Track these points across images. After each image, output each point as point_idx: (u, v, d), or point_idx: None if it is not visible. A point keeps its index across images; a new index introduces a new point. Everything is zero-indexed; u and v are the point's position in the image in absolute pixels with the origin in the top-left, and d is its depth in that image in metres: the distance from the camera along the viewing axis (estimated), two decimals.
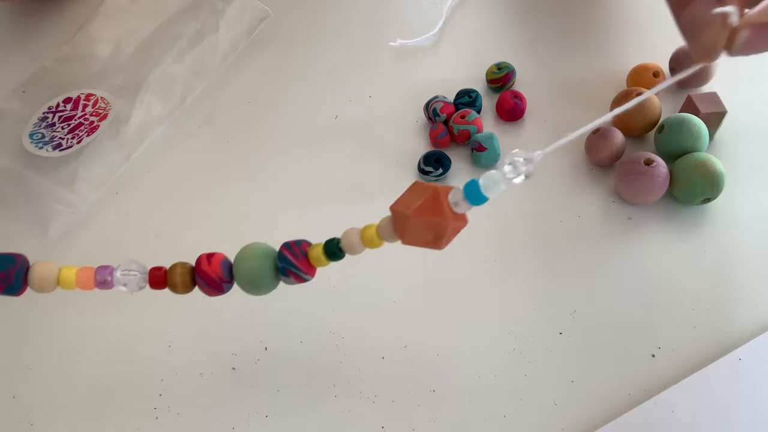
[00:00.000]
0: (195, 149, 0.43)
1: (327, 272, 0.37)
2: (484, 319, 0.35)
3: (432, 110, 0.41)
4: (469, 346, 0.34)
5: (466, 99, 0.42)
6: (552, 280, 0.36)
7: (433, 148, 0.41)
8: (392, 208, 0.26)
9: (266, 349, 0.35)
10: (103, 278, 0.26)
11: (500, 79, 0.43)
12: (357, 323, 0.35)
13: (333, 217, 0.39)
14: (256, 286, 0.27)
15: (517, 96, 0.41)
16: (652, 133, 0.40)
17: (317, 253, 0.27)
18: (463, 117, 0.40)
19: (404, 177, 0.40)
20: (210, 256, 0.27)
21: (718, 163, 0.36)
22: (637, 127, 0.39)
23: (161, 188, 0.41)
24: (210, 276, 0.27)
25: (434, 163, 0.39)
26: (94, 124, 0.42)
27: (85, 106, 0.43)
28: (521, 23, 0.47)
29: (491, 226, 0.38)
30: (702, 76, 0.41)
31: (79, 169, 0.41)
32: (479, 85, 0.44)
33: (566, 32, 0.46)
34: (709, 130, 0.38)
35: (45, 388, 0.35)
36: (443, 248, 0.26)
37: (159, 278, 0.27)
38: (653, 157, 0.37)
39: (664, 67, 0.42)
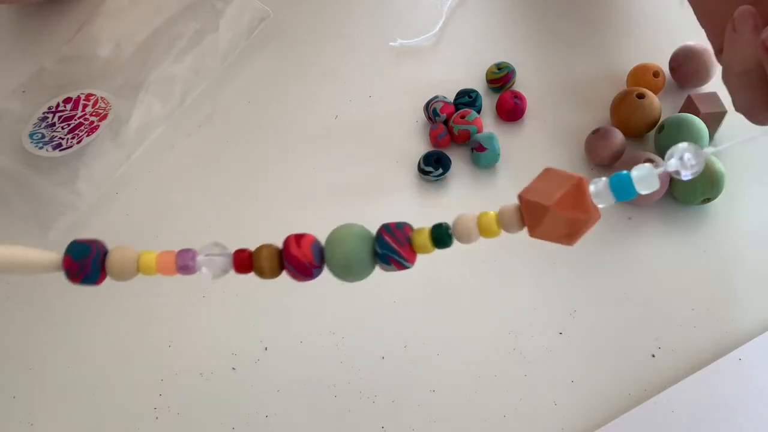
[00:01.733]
0: (195, 149, 0.43)
1: (326, 272, 0.37)
2: (484, 319, 0.35)
3: (432, 110, 0.41)
4: (469, 346, 0.34)
5: (466, 99, 0.42)
6: (552, 280, 0.36)
7: (433, 148, 0.41)
8: (524, 196, 0.23)
9: (266, 349, 0.35)
10: (184, 263, 0.25)
11: (500, 79, 0.43)
12: (357, 323, 0.35)
13: (333, 217, 0.38)
14: (350, 272, 0.25)
15: (517, 96, 0.41)
16: (652, 133, 0.40)
17: (423, 240, 0.25)
18: (463, 117, 0.40)
19: (404, 177, 0.40)
20: (299, 238, 0.25)
21: (718, 163, 0.36)
22: (637, 127, 0.39)
23: (161, 188, 0.41)
24: (300, 260, 0.25)
25: (434, 163, 0.39)
26: (94, 124, 0.42)
27: (85, 106, 0.43)
28: (521, 23, 0.47)
29: None
30: (702, 76, 0.41)
31: (79, 169, 0.41)
32: (479, 85, 0.44)
33: (566, 32, 0.46)
34: (709, 130, 0.38)
35: (45, 388, 0.35)
36: (573, 245, 0.23)
37: (244, 262, 0.25)
38: (653, 157, 0.37)
39: (664, 67, 0.42)
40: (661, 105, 0.40)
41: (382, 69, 0.46)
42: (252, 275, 0.25)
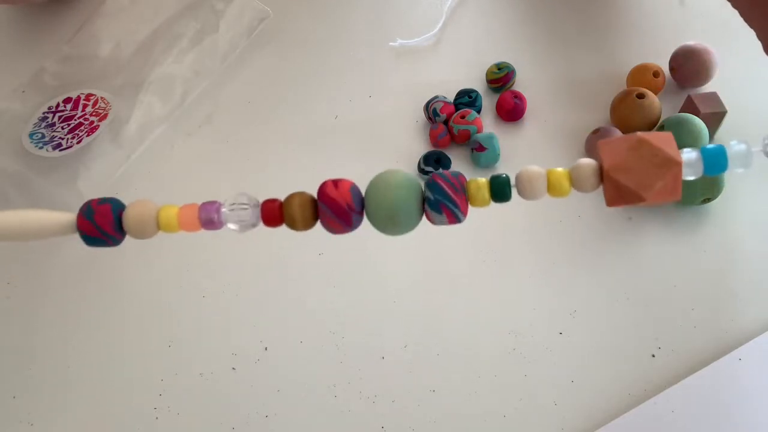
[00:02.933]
0: (195, 149, 0.43)
1: (327, 272, 0.37)
2: (484, 319, 0.35)
3: (432, 110, 0.41)
4: (469, 346, 0.34)
5: (466, 99, 0.42)
6: (552, 280, 0.36)
7: (433, 148, 0.41)
8: (614, 176, 0.22)
9: (266, 349, 0.35)
10: (208, 216, 0.23)
11: (500, 79, 0.43)
12: (357, 323, 0.35)
13: None
14: (394, 221, 0.23)
15: (517, 96, 0.41)
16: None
17: (480, 191, 0.22)
18: (463, 117, 0.40)
19: None
20: (336, 182, 0.23)
21: None
22: (637, 127, 0.39)
23: (161, 188, 0.41)
24: (339, 204, 0.23)
25: (434, 163, 0.39)
26: (94, 124, 0.42)
27: (85, 106, 0.43)
28: (521, 23, 0.47)
29: (491, 225, 0.38)
30: (702, 76, 0.41)
31: (79, 169, 0.41)
32: (479, 85, 0.44)
33: (566, 32, 0.46)
34: (709, 130, 0.38)
35: (45, 388, 0.35)
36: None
37: (274, 212, 0.23)
38: None
39: (664, 67, 0.42)
40: (661, 105, 0.40)
41: (382, 69, 0.46)
42: (283, 228, 0.23)
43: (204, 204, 0.23)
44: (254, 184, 0.41)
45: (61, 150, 0.41)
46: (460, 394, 0.33)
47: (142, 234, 0.23)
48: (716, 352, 0.33)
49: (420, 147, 0.42)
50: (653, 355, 0.33)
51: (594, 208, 0.38)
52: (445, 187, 0.22)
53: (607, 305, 0.35)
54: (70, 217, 0.22)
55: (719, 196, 0.37)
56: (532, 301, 0.35)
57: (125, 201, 0.43)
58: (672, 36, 0.44)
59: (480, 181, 0.22)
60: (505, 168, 0.40)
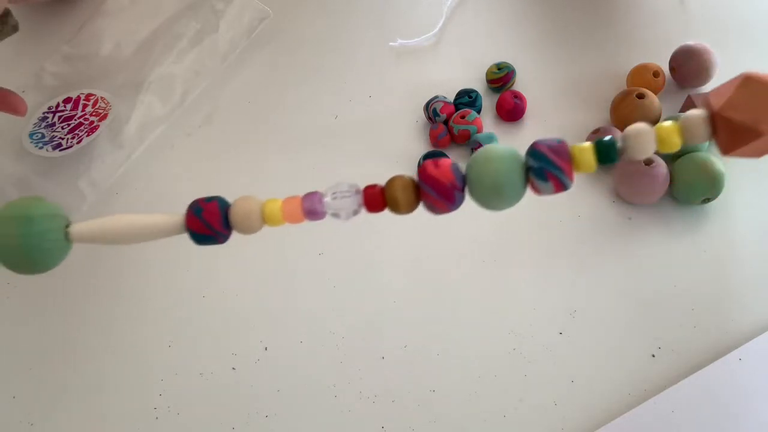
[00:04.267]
0: (195, 149, 0.43)
1: (327, 272, 0.37)
2: (484, 319, 0.35)
3: (432, 110, 0.41)
4: (469, 346, 0.34)
5: (466, 99, 0.42)
6: (552, 280, 0.36)
7: (433, 148, 0.41)
8: (724, 114, 0.20)
9: (266, 349, 0.35)
10: (312, 207, 0.23)
11: (500, 79, 0.43)
12: (357, 323, 0.35)
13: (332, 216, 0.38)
14: (499, 194, 0.23)
15: (517, 96, 0.41)
16: None
17: (585, 154, 0.22)
18: (463, 117, 0.40)
19: None
20: (436, 161, 0.23)
21: (718, 163, 0.36)
22: None
23: (161, 188, 0.41)
24: (441, 182, 0.23)
25: None
26: (94, 124, 0.42)
27: (85, 106, 0.43)
28: (521, 23, 0.47)
29: (491, 226, 0.38)
30: (702, 76, 0.41)
31: (79, 169, 0.41)
32: (479, 85, 0.44)
33: (566, 32, 0.46)
34: None
35: (45, 388, 0.35)
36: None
37: (375, 197, 0.23)
38: (653, 157, 0.37)
39: (664, 67, 0.42)
40: (661, 105, 0.40)
41: (382, 69, 0.46)
42: (385, 213, 0.23)
43: (306, 195, 0.23)
44: (254, 184, 0.41)
45: (61, 150, 0.41)
46: (460, 394, 0.33)
47: (248, 228, 0.23)
48: (716, 352, 0.33)
49: (420, 147, 0.42)
50: (653, 355, 0.33)
51: (594, 208, 0.38)
52: (548, 153, 0.22)
53: (607, 305, 0.35)
54: (177, 218, 0.23)
55: (719, 196, 0.37)
56: (532, 301, 0.35)
57: (126, 201, 0.43)
58: (672, 36, 0.44)
59: (584, 145, 0.22)
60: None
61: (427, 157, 0.39)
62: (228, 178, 0.41)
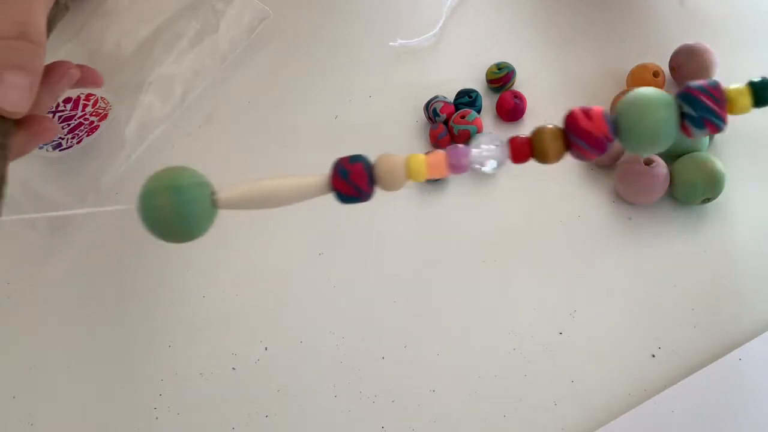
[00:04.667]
0: (195, 149, 0.43)
1: (327, 272, 0.37)
2: (484, 318, 0.35)
3: (432, 110, 0.41)
4: (469, 346, 0.34)
5: (466, 99, 0.42)
6: (552, 280, 0.36)
7: (433, 148, 0.41)
8: None
9: (266, 349, 0.35)
10: (457, 160, 0.23)
11: (500, 79, 0.43)
12: (357, 323, 0.35)
13: (334, 216, 0.39)
14: (654, 143, 0.23)
15: (517, 96, 0.41)
16: None
17: (741, 97, 0.22)
18: (463, 117, 0.40)
19: None
20: (586, 111, 0.23)
21: (718, 163, 0.36)
22: None
23: None
24: (594, 135, 0.22)
25: None
26: (94, 124, 0.42)
27: (85, 106, 0.43)
28: (521, 23, 0.47)
29: (491, 226, 0.38)
30: (702, 76, 0.41)
31: (79, 169, 0.41)
32: (479, 85, 0.44)
33: (566, 32, 0.46)
34: None
35: (45, 388, 0.35)
36: None
37: (523, 147, 0.23)
38: (653, 157, 0.37)
39: (664, 67, 0.42)
40: None
41: (382, 69, 0.46)
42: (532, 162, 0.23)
43: (450, 148, 0.23)
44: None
45: (61, 150, 0.40)
46: (460, 394, 0.33)
47: (392, 185, 0.24)
48: (716, 352, 0.33)
49: (420, 147, 0.42)
50: (653, 355, 0.33)
51: (594, 208, 0.38)
52: (706, 101, 0.22)
53: (607, 305, 0.35)
54: (321, 179, 0.23)
55: (719, 196, 0.37)
56: (532, 301, 0.35)
57: (127, 200, 0.43)
58: (672, 36, 0.44)
59: (740, 87, 0.21)
60: (505, 168, 0.40)
61: None
62: (228, 178, 0.41)
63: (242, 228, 0.39)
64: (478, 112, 0.42)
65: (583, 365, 0.33)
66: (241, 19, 0.46)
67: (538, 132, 0.23)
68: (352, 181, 0.23)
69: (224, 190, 0.24)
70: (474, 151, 0.23)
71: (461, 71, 0.45)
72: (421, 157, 0.23)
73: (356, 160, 0.23)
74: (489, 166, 0.23)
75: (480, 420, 0.32)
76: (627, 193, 0.38)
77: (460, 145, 0.23)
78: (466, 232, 0.38)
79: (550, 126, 0.23)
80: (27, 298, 0.38)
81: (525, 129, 0.42)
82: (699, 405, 0.31)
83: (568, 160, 0.40)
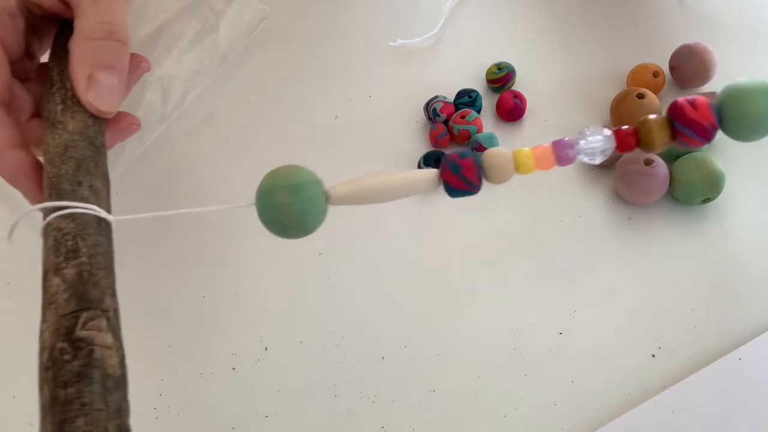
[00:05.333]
0: (195, 149, 0.43)
1: (327, 272, 0.37)
2: (484, 318, 0.35)
3: (432, 110, 0.41)
4: (469, 346, 0.34)
5: (466, 99, 0.42)
6: (552, 280, 0.36)
7: (433, 148, 0.41)
8: None
9: (266, 349, 0.35)
10: (564, 152, 0.24)
11: (500, 79, 0.43)
12: (357, 323, 0.35)
13: (333, 216, 0.38)
14: (759, 130, 0.23)
15: (517, 96, 0.41)
16: None
17: None
18: (463, 117, 0.40)
19: None
20: (691, 102, 0.24)
21: (718, 163, 0.36)
22: None
23: (161, 188, 0.41)
24: (702, 124, 0.23)
25: (434, 163, 0.39)
26: None
27: None
28: (521, 23, 0.47)
29: (491, 226, 0.38)
30: (702, 76, 0.41)
31: None
32: (479, 85, 0.44)
33: (566, 32, 0.46)
34: None
35: None
36: None
37: (628, 138, 0.24)
38: (653, 157, 0.37)
39: (664, 67, 0.42)
40: (661, 105, 0.40)
41: (382, 69, 0.46)
42: None
43: (557, 142, 0.25)
44: (255, 184, 0.41)
45: None
46: (460, 394, 0.33)
47: (501, 178, 0.25)
48: (716, 352, 0.33)
49: (420, 147, 0.42)
50: (653, 355, 0.33)
51: (594, 208, 0.38)
52: None
53: (607, 305, 0.35)
54: (432, 174, 0.25)
55: (719, 196, 0.37)
56: (532, 301, 0.35)
57: (127, 200, 0.43)
58: (672, 36, 0.44)
59: None
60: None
61: (427, 157, 0.39)
62: (228, 178, 0.41)
63: (242, 229, 0.39)
64: (478, 112, 0.42)
65: (583, 365, 0.33)
66: (241, 19, 0.46)
67: (644, 122, 0.24)
68: (463, 174, 0.24)
69: (336, 187, 0.25)
70: (581, 142, 0.24)
71: (461, 71, 0.45)
72: (528, 150, 0.25)
73: (465, 155, 0.25)
74: (593, 156, 0.25)
75: (480, 420, 0.32)
76: (627, 193, 0.38)
77: (566, 138, 0.25)
78: (466, 231, 0.38)
79: (657, 118, 0.24)
80: (27, 298, 0.38)
81: (525, 129, 0.42)
82: (699, 405, 0.31)
83: None
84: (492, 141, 0.39)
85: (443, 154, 0.40)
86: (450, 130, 0.41)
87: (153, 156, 0.43)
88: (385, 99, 0.44)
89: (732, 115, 0.23)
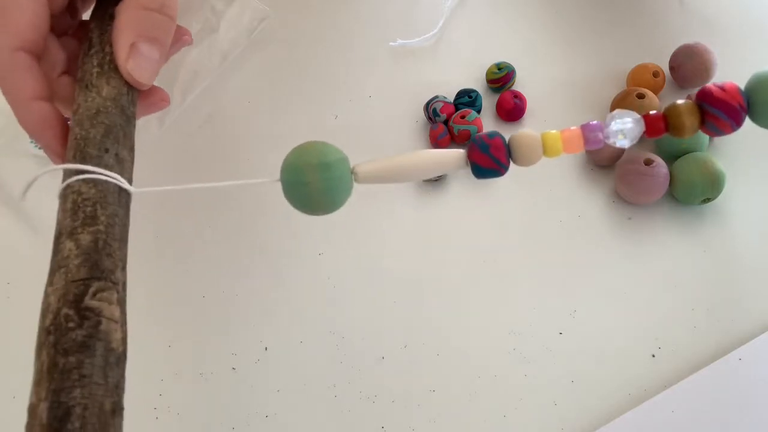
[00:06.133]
0: (195, 149, 0.43)
1: (327, 272, 0.37)
2: (484, 319, 0.35)
3: (432, 110, 0.41)
4: (469, 346, 0.34)
5: (466, 99, 0.42)
6: (552, 280, 0.36)
7: (433, 149, 0.41)
8: None
9: (266, 349, 0.35)
10: (593, 135, 0.25)
11: (500, 79, 0.43)
12: (357, 323, 0.35)
13: (333, 216, 0.38)
14: None
15: (517, 96, 0.41)
16: None
17: None
18: (463, 117, 0.40)
19: None
20: (720, 86, 0.24)
21: (718, 163, 0.36)
22: None
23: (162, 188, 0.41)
24: (731, 104, 0.24)
25: None
26: None
27: None
28: (521, 23, 0.47)
29: (491, 225, 0.38)
30: (702, 76, 0.41)
31: None
32: (479, 85, 0.44)
33: (566, 32, 0.46)
34: None
35: None
36: None
37: (657, 122, 0.24)
38: (653, 157, 0.37)
39: (664, 67, 0.42)
40: (661, 105, 0.40)
41: (382, 69, 0.46)
42: None
43: (585, 125, 0.25)
44: (254, 184, 0.41)
45: None
46: (460, 394, 0.33)
47: (529, 160, 0.25)
48: (716, 352, 0.33)
49: (420, 147, 0.42)
50: (653, 355, 0.33)
51: (594, 208, 0.38)
52: None
53: (607, 305, 0.35)
54: (459, 153, 0.25)
55: (719, 196, 0.37)
56: (532, 301, 0.35)
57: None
58: (672, 36, 0.44)
59: None
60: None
61: None
62: (228, 178, 0.41)
63: (242, 227, 0.39)
64: (478, 112, 0.42)
65: (583, 365, 0.33)
66: (241, 19, 0.46)
67: (673, 107, 0.24)
68: (492, 154, 0.24)
69: (362, 165, 0.25)
70: (611, 125, 0.24)
71: (461, 71, 0.45)
72: (556, 133, 0.25)
73: (494, 135, 0.25)
74: (622, 140, 0.24)
75: (480, 420, 0.32)
76: (627, 193, 0.38)
77: (596, 123, 0.25)
78: (466, 231, 0.38)
79: (685, 102, 0.24)
80: (27, 298, 0.38)
81: (525, 129, 0.42)
82: (699, 405, 0.31)
83: (569, 160, 0.41)
84: None
85: None
86: (450, 130, 0.41)
87: (153, 156, 0.43)
88: (385, 99, 0.44)
89: (761, 101, 0.24)
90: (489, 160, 0.24)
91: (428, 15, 0.48)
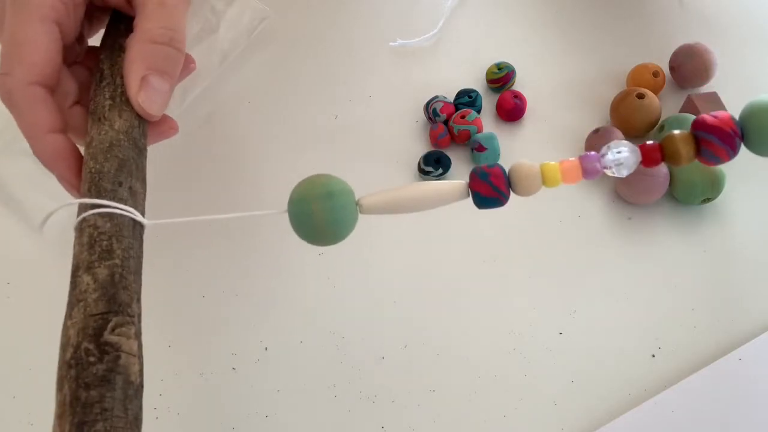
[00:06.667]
0: (195, 149, 0.43)
1: (327, 272, 0.37)
2: (484, 319, 0.35)
3: (432, 110, 0.41)
4: (469, 346, 0.34)
5: (466, 99, 0.42)
6: (552, 280, 0.36)
7: (433, 148, 0.41)
8: None
9: (266, 349, 0.35)
10: (591, 166, 0.25)
11: (500, 79, 0.43)
12: (357, 323, 0.35)
13: None
14: None
15: (517, 96, 0.41)
16: (652, 133, 0.40)
17: None
18: (463, 117, 0.40)
19: (404, 177, 0.40)
20: (713, 114, 0.25)
21: None
22: (638, 127, 0.39)
23: (162, 188, 0.41)
24: (724, 130, 0.24)
25: (434, 163, 0.39)
26: None
27: None
28: (521, 23, 0.47)
29: (491, 226, 0.38)
30: (702, 76, 0.41)
31: None
32: (479, 85, 0.44)
33: (566, 32, 0.46)
34: None
35: (45, 388, 0.35)
36: None
37: (654, 152, 0.25)
38: None
39: (664, 67, 0.42)
40: (661, 105, 0.40)
41: (382, 69, 0.46)
42: None
43: (583, 156, 0.25)
44: (255, 184, 0.41)
45: None
46: (460, 394, 0.33)
47: (528, 190, 0.25)
48: (716, 352, 0.33)
49: (420, 147, 0.42)
50: (653, 355, 0.33)
51: (594, 208, 0.38)
52: None
53: (607, 305, 0.35)
54: (461, 184, 0.25)
55: (719, 196, 0.37)
56: (532, 301, 0.35)
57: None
58: (672, 36, 0.44)
59: None
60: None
61: (427, 157, 0.39)
62: (228, 178, 0.41)
63: (242, 228, 0.39)
64: (478, 112, 0.42)
65: (583, 365, 0.33)
66: (241, 19, 0.46)
67: (669, 138, 0.25)
68: (492, 182, 0.25)
69: (367, 197, 0.25)
70: (607, 156, 0.25)
71: (461, 71, 0.45)
72: (555, 164, 0.25)
73: (493, 165, 0.25)
74: (624, 170, 0.25)
75: (480, 420, 0.32)
76: (627, 193, 0.38)
77: (594, 153, 0.25)
78: (466, 232, 0.38)
79: (680, 132, 0.25)
80: (27, 298, 0.38)
81: (525, 129, 0.42)
82: (699, 405, 0.31)
83: None
84: (492, 141, 0.39)
85: (443, 154, 0.40)
86: (450, 130, 0.41)
87: (153, 156, 0.43)
88: (385, 99, 0.44)
89: (753, 129, 0.24)
90: (489, 188, 0.25)
91: (428, 15, 0.48)
